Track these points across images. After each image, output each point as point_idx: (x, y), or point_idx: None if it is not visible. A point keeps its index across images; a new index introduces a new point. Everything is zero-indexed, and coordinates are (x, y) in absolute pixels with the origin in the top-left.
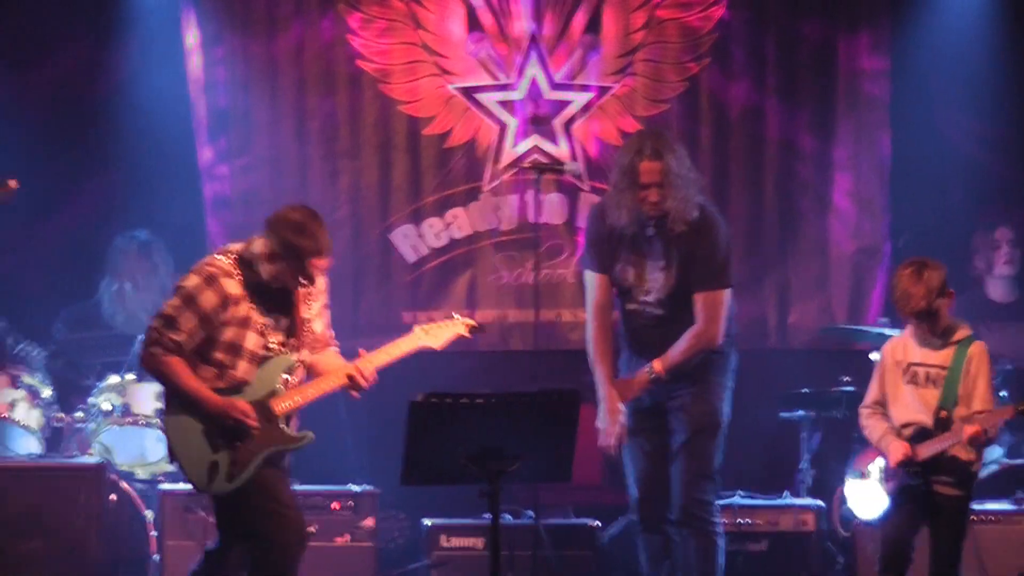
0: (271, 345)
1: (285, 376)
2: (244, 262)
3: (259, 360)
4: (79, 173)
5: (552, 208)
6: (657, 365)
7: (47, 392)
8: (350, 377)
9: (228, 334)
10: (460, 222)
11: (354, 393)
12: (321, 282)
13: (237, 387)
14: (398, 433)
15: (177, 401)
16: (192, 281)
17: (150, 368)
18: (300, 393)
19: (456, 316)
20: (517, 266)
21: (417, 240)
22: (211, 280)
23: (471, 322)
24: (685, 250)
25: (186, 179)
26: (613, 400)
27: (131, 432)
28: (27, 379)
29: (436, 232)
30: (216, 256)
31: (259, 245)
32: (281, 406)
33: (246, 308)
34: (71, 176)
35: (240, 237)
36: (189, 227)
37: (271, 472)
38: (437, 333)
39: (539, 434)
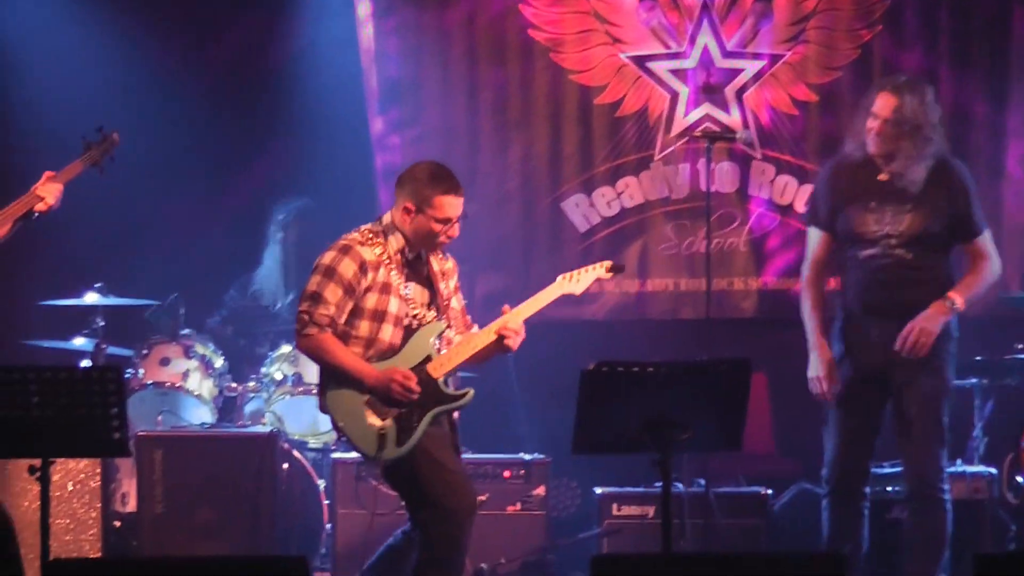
0: (415, 312)
1: (436, 342)
2: (376, 234)
3: (405, 326)
4: (253, 144)
5: (724, 177)
6: (956, 296)
7: (220, 362)
8: (499, 332)
9: (371, 301)
10: (631, 191)
11: (508, 343)
12: (452, 263)
13: (387, 354)
14: (569, 402)
15: (335, 378)
16: (328, 256)
17: (307, 350)
18: (454, 354)
19: (605, 263)
20: (688, 235)
21: (588, 209)
22: (346, 249)
23: (608, 263)
24: (937, 193)
25: (358, 150)
26: (826, 349)
27: (303, 402)
28: (200, 349)
29: (607, 201)
30: (349, 233)
31: (390, 214)
32: (438, 369)
33: (385, 273)
34: (245, 147)
35: None
36: (360, 198)
37: (438, 437)
38: (578, 278)
39: (710, 403)
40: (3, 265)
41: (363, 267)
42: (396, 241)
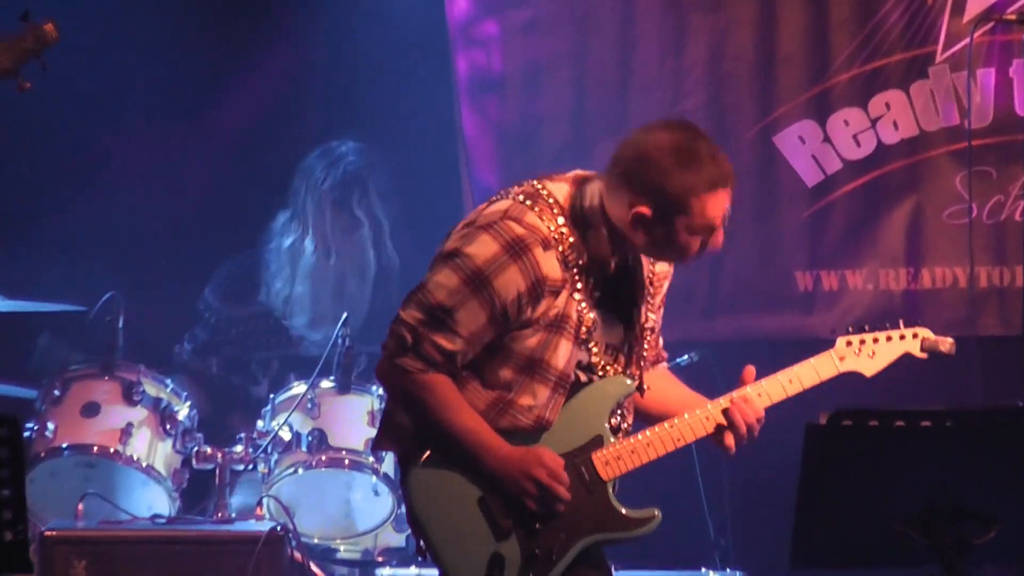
0: (592, 361)
1: (618, 412)
2: (577, 220)
3: (568, 386)
4: (249, 46)
5: None
6: None
7: (184, 411)
8: (727, 421)
9: (529, 340)
10: (896, 115)
11: (728, 444)
12: (668, 264)
13: (532, 429)
14: (783, 483)
15: (437, 449)
16: (485, 248)
17: (399, 391)
18: (643, 447)
19: (919, 331)
20: (994, 191)
21: (821, 147)
22: (518, 249)
23: (925, 332)
24: None
25: (426, 47)
26: None
27: (327, 479)
28: (151, 389)
29: (854, 133)
30: (522, 203)
31: (594, 194)
32: (610, 465)
33: (565, 300)
34: (235, 54)
35: (517, 140)
36: (429, 128)
37: (582, 571)
38: (873, 350)
39: None
40: None
41: (537, 288)
42: (598, 245)
